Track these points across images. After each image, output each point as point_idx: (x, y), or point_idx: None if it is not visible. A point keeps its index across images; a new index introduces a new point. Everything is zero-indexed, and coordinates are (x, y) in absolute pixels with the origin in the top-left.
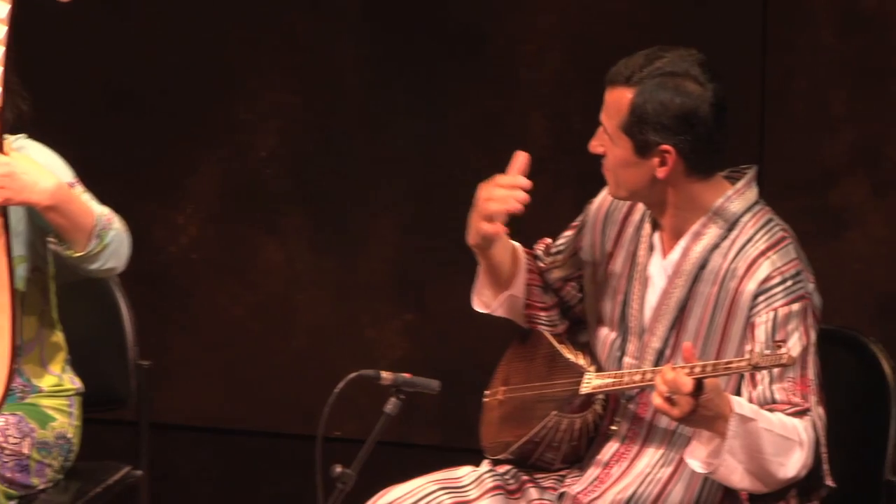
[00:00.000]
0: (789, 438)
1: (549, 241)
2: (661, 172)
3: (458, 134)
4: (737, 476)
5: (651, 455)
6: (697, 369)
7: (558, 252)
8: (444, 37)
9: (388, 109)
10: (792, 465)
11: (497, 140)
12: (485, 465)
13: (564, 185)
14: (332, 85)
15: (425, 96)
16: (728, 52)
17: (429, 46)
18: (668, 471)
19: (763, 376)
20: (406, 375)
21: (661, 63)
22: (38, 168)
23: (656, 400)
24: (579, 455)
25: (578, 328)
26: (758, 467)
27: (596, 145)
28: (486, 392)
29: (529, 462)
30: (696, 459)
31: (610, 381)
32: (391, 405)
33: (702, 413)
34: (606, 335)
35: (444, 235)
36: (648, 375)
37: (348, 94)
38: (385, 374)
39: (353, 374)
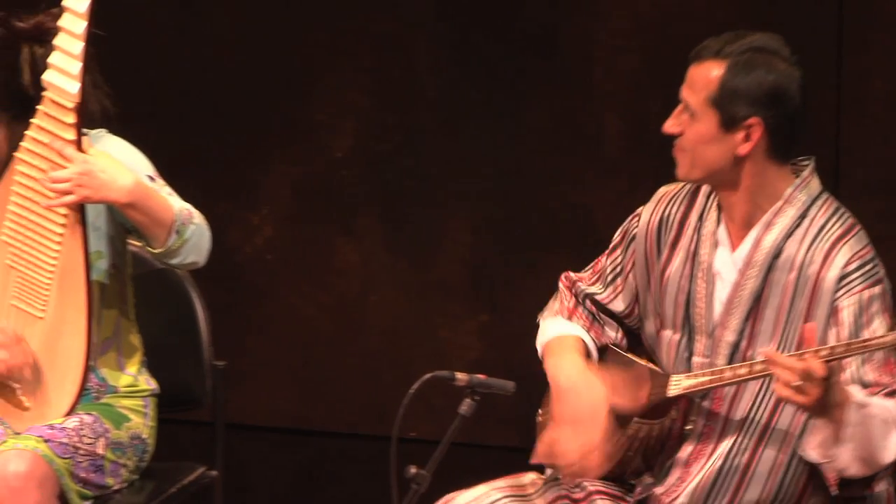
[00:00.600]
0: (888, 421)
1: (572, 274)
2: (744, 148)
3: (532, 135)
4: (847, 462)
5: (728, 446)
6: (824, 353)
7: (615, 277)
8: (519, 37)
9: (463, 110)
10: (892, 447)
11: (571, 141)
12: (550, 473)
13: (639, 187)
14: (408, 85)
15: (500, 97)
16: (804, 53)
17: (504, 47)
18: (744, 458)
19: (853, 359)
20: (480, 376)
21: (751, 39)
22: (116, 165)
23: (782, 390)
24: (650, 464)
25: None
26: (867, 453)
27: (673, 125)
28: (540, 411)
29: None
30: (812, 450)
31: (705, 378)
32: (466, 406)
33: (827, 399)
34: (670, 338)
35: (518, 236)
36: (758, 367)
37: (424, 94)
38: (459, 376)
39: (427, 376)
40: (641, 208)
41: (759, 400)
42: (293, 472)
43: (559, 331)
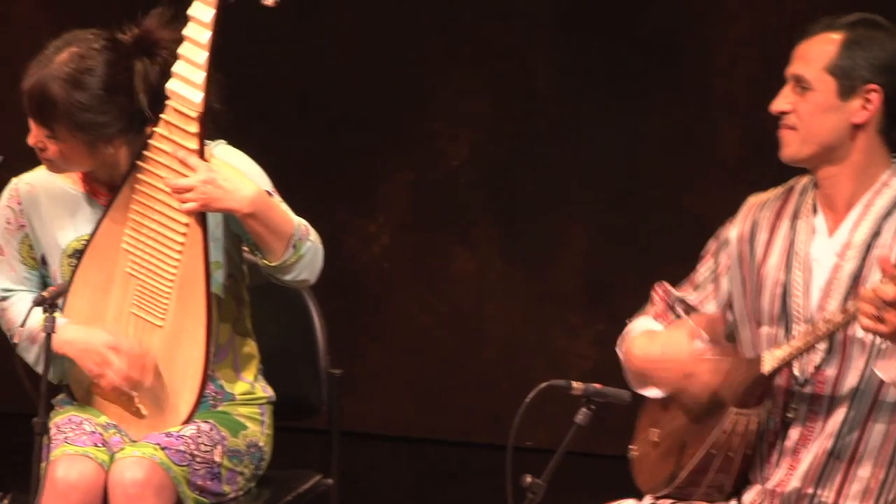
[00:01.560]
0: None
1: (666, 284)
2: (861, 116)
3: (650, 143)
4: None
5: (836, 425)
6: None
7: (706, 282)
8: (638, 46)
9: (581, 118)
10: None
11: (689, 149)
12: (647, 500)
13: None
14: (526, 94)
15: (619, 105)
16: None
17: (623, 55)
18: (854, 435)
19: None
20: (597, 386)
21: (858, 16)
22: (239, 175)
23: (864, 321)
24: (745, 475)
25: None
26: None
27: (782, 103)
28: (632, 447)
29: (699, 493)
30: (886, 373)
31: (797, 343)
32: (582, 415)
33: None
34: (767, 333)
35: (635, 245)
36: (838, 318)
37: (542, 103)
38: (575, 385)
39: (543, 384)
40: (733, 217)
41: (864, 376)
42: (408, 481)
43: (636, 326)
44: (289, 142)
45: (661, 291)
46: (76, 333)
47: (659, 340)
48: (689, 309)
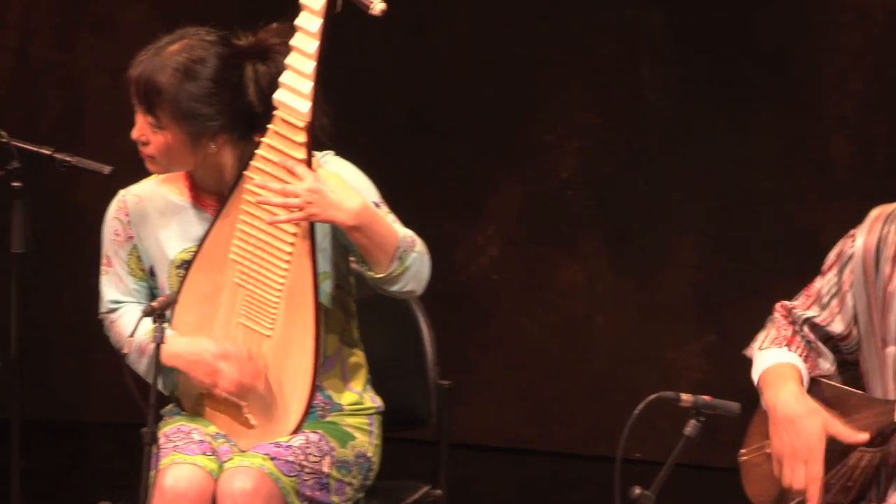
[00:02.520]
0: None
1: (787, 303)
2: None
3: (760, 155)
4: None
5: None
6: None
7: (831, 298)
8: (748, 58)
9: (690, 130)
10: None
11: (800, 162)
12: None
13: (866, 210)
14: (635, 106)
15: (728, 117)
16: None
17: (732, 68)
18: None
19: None
20: (706, 398)
21: None
22: (345, 187)
23: None
24: (863, 496)
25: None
26: None
27: None
28: (743, 451)
29: None
30: None
31: None
32: (691, 427)
33: None
34: (893, 353)
35: (745, 257)
36: None
37: (650, 115)
38: (685, 397)
39: (652, 396)
40: (855, 230)
41: None
42: (517, 492)
43: (776, 359)
44: (399, 154)
45: (783, 311)
46: (184, 345)
47: (798, 414)
48: (816, 329)
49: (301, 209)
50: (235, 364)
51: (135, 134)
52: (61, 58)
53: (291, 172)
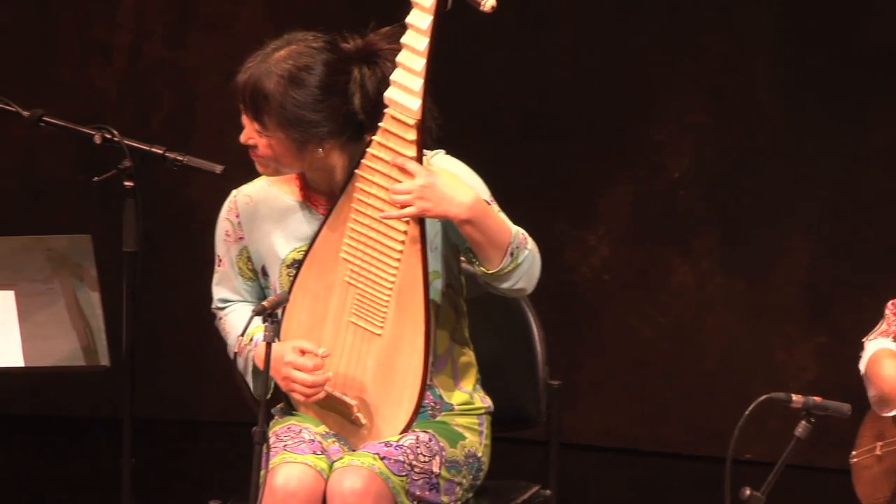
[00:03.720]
0: None
1: None
2: None
3: (873, 156)
4: None
5: None
6: None
7: None
8: (860, 58)
9: (802, 130)
10: None
11: None
12: None
13: None
14: (747, 106)
15: (841, 119)
16: None
17: (846, 69)
18: None
19: None
20: (816, 399)
21: None
22: (457, 182)
23: None
24: None
25: None
26: None
27: None
28: (854, 453)
29: None
30: None
31: None
32: (801, 428)
33: None
34: None
35: (857, 258)
36: None
37: (763, 115)
38: (795, 398)
39: (763, 397)
40: None
41: None
42: (627, 493)
43: (879, 346)
44: (510, 154)
45: (894, 309)
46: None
47: None
48: None
49: (412, 205)
50: (305, 370)
51: (243, 138)
52: (173, 57)
53: (403, 170)
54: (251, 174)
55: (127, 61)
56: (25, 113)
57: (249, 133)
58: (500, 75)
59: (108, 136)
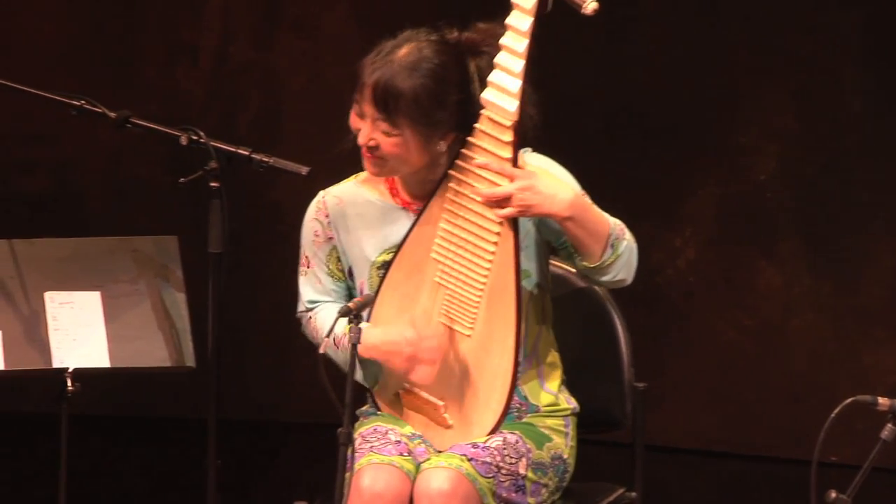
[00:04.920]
0: None
1: None
2: None
3: None
4: None
5: None
6: None
7: None
8: None
9: (890, 133)
10: None
11: None
12: None
13: None
14: (835, 110)
15: None
16: None
17: None
18: None
19: None
20: None
21: None
22: (556, 180)
23: None
24: None
25: None
26: None
27: None
28: None
29: None
30: None
31: None
32: (888, 431)
33: None
34: None
35: None
36: None
37: (850, 119)
38: (882, 400)
39: (849, 400)
40: None
41: None
42: (712, 495)
43: None
44: (596, 155)
45: None
46: (379, 335)
47: None
48: None
49: (514, 207)
50: (430, 346)
51: (363, 139)
52: (259, 58)
53: (500, 172)
54: (337, 175)
55: (213, 63)
56: (112, 114)
57: (370, 134)
58: (586, 77)
59: (195, 137)
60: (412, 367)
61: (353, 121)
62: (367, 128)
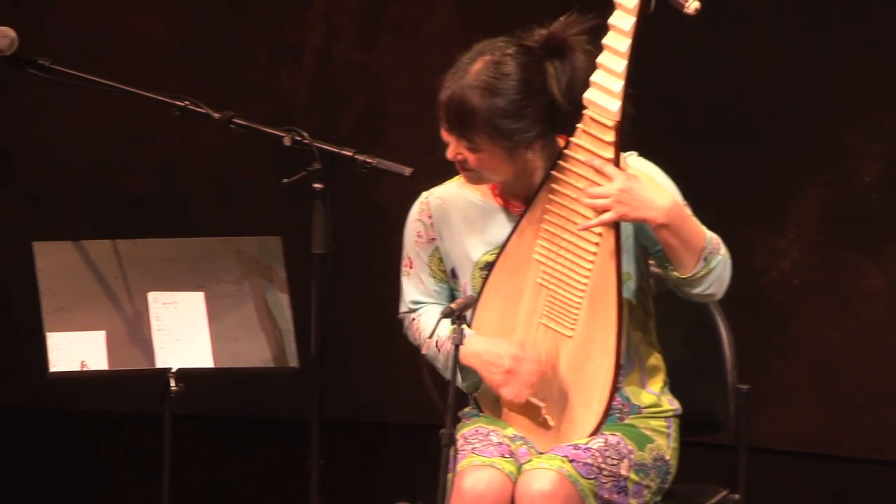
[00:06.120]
0: None
1: None
2: None
3: None
4: None
5: None
6: None
7: None
8: None
9: None
10: None
11: None
12: None
13: None
14: None
15: None
16: None
17: None
18: None
19: None
20: None
21: None
22: (655, 185)
23: None
24: None
25: None
26: None
27: None
28: None
29: None
30: None
31: None
32: None
33: None
34: None
35: None
36: None
37: None
38: None
39: None
40: None
41: None
42: (815, 498)
43: None
44: (699, 157)
45: None
46: (482, 345)
47: None
48: None
49: (611, 209)
50: (528, 368)
51: (450, 155)
52: (363, 59)
53: (600, 172)
54: (439, 176)
55: (316, 63)
56: (216, 115)
57: (457, 149)
58: (688, 77)
59: (298, 137)
60: (507, 382)
61: (443, 134)
62: (452, 143)
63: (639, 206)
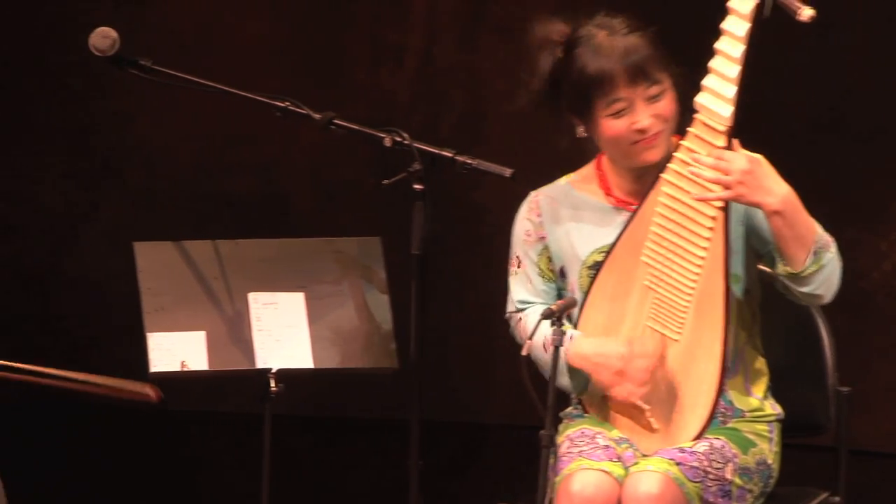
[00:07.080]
0: None
1: None
2: None
3: None
4: None
5: None
6: None
7: None
8: None
9: None
10: None
11: None
12: None
13: None
14: None
15: None
16: None
17: None
18: None
19: None
20: None
21: None
22: (774, 172)
23: None
24: None
25: None
26: None
27: None
28: None
29: None
30: None
31: None
32: None
33: None
34: None
35: None
36: None
37: None
38: None
39: None
40: None
41: None
42: None
43: None
44: (802, 156)
45: None
46: (591, 347)
47: None
48: None
49: (730, 188)
50: (637, 370)
51: (647, 123)
52: (464, 60)
53: (720, 157)
54: (540, 177)
55: (418, 63)
56: (317, 115)
57: (646, 112)
58: (791, 77)
59: (399, 138)
60: (618, 382)
61: (616, 126)
62: (640, 112)
63: (757, 189)
